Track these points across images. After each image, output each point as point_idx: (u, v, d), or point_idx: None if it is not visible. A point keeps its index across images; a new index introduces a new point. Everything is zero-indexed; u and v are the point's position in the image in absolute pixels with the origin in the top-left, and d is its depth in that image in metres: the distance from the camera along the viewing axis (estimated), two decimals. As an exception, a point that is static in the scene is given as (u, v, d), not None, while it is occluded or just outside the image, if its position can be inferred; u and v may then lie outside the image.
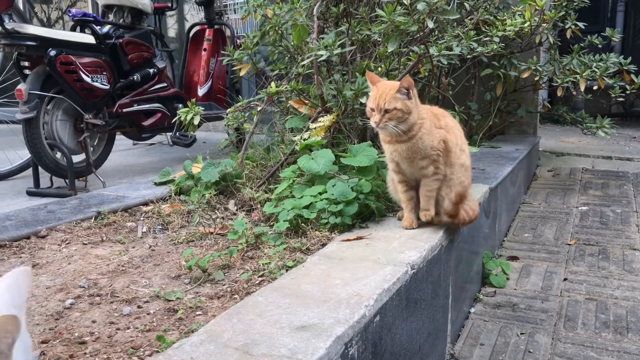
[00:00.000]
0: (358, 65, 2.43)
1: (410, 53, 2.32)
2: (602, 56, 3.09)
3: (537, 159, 3.97)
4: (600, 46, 3.25)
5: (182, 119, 2.42)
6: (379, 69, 2.38)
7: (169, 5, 3.84)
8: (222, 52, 3.83)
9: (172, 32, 6.78)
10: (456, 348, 1.74)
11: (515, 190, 2.96)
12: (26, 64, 2.91)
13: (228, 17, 4.22)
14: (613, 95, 3.12)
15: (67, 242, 1.78)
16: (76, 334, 1.17)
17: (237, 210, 2.07)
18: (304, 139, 2.14)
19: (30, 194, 2.84)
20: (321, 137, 2.15)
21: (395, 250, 1.45)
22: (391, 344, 1.23)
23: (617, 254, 2.42)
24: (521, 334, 1.81)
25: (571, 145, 4.49)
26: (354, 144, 2.14)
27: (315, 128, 2.18)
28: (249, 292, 1.34)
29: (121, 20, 3.43)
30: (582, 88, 3.08)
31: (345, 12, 2.51)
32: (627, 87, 3.12)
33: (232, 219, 1.95)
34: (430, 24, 1.98)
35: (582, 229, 2.75)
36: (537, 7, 2.79)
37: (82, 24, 3.19)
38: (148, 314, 1.26)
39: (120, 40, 3.21)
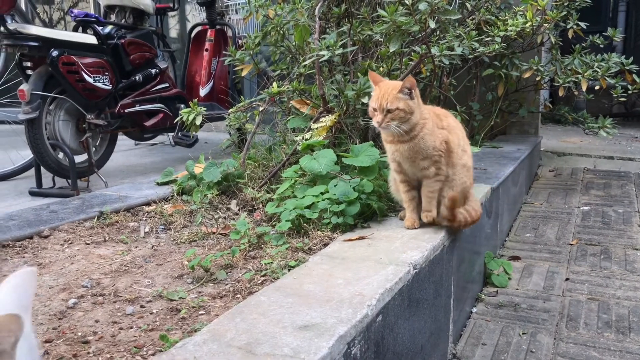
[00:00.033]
0: (360, 66, 2.43)
1: (412, 53, 2.33)
2: (603, 56, 3.09)
3: (538, 159, 3.97)
4: (602, 46, 3.25)
5: (184, 119, 2.43)
6: (381, 69, 2.38)
7: (171, 5, 3.84)
8: (223, 52, 3.83)
9: (173, 33, 6.79)
10: (458, 348, 1.74)
11: (517, 190, 2.96)
12: (28, 64, 2.92)
13: (230, 18, 4.22)
14: (615, 95, 3.12)
15: (69, 242, 1.79)
16: (79, 334, 1.18)
17: (239, 210, 2.07)
18: (306, 139, 2.14)
19: (32, 194, 2.84)
20: (323, 137, 2.15)
21: (398, 250, 1.46)
22: (393, 343, 1.24)
23: (619, 254, 2.42)
24: (523, 333, 1.81)
25: (573, 145, 4.49)
26: (356, 144, 2.14)
27: (317, 128, 2.18)
28: (252, 291, 1.34)
29: (123, 21, 3.43)
30: (584, 88, 3.08)
31: (346, 12, 2.51)
32: (629, 87, 3.12)
33: (234, 219, 1.96)
34: (432, 24, 1.98)
35: (584, 229, 2.75)
36: (538, 7, 2.79)
37: (84, 24, 3.20)
38: (151, 314, 1.27)
39: (122, 41, 3.21)
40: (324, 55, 2.09)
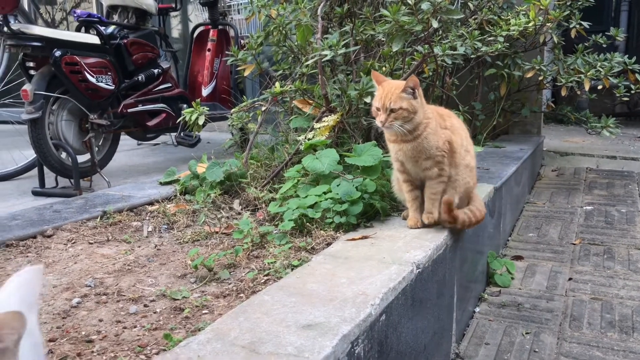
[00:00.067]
0: (362, 65, 2.43)
1: (415, 53, 2.33)
2: (606, 56, 3.09)
3: (541, 159, 3.96)
4: (604, 46, 3.25)
5: (186, 119, 2.43)
6: (383, 68, 2.38)
7: (173, 5, 3.85)
8: (226, 52, 3.84)
9: (176, 33, 6.80)
10: (461, 347, 1.74)
11: (520, 190, 2.96)
12: (31, 64, 2.93)
13: (232, 18, 4.22)
14: (618, 95, 3.12)
15: (73, 241, 1.79)
16: (83, 333, 1.18)
17: (241, 209, 2.07)
18: (308, 139, 2.14)
19: (35, 193, 2.85)
20: (325, 136, 2.15)
21: (401, 250, 1.46)
22: (397, 343, 1.23)
23: (623, 254, 2.42)
24: (526, 333, 1.81)
25: (575, 145, 4.49)
26: (359, 143, 2.14)
27: (319, 128, 2.18)
28: (255, 291, 1.34)
29: (125, 21, 3.44)
30: (587, 88, 3.07)
31: (349, 12, 2.51)
32: (632, 86, 3.11)
33: (237, 219, 1.96)
34: (435, 24, 1.98)
35: (587, 229, 2.74)
36: (541, 7, 2.79)
37: (86, 24, 3.21)
38: (154, 313, 1.27)
39: (125, 41, 3.22)
40: (326, 55, 2.09)
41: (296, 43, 2.53)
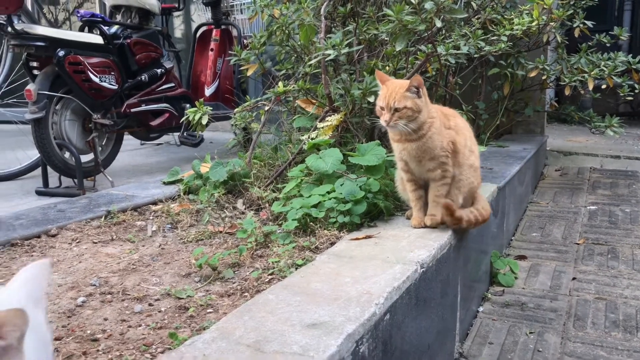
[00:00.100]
0: (365, 65, 2.43)
1: (418, 52, 2.32)
2: (610, 55, 3.08)
3: (544, 158, 3.96)
4: (608, 45, 3.24)
5: (190, 118, 2.44)
6: (387, 68, 2.38)
7: (176, 5, 3.85)
8: (229, 52, 3.84)
9: (178, 33, 6.81)
10: (465, 347, 1.74)
11: (523, 190, 2.96)
12: (35, 64, 2.93)
13: (235, 17, 4.23)
14: (621, 94, 3.11)
15: (77, 240, 1.80)
16: (88, 332, 1.18)
17: (245, 209, 2.07)
18: (312, 138, 2.14)
19: (39, 193, 2.86)
20: (329, 136, 2.15)
21: (405, 249, 1.45)
22: (401, 342, 1.24)
23: (627, 253, 2.41)
24: (530, 333, 1.81)
25: (579, 145, 4.48)
26: (362, 143, 2.14)
27: (322, 127, 2.18)
28: (259, 290, 1.34)
29: (129, 21, 3.45)
30: (591, 87, 3.07)
31: (352, 11, 2.51)
32: (636, 85, 3.11)
33: (240, 218, 1.96)
34: (438, 23, 1.98)
35: (590, 228, 2.74)
36: (545, 6, 2.79)
37: (90, 24, 3.21)
38: (159, 312, 1.27)
39: (128, 41, 3.22)
40: (330, 55, 2.10)
41: (299, 43, 2.53)
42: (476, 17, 2.88)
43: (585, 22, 3.12)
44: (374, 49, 2.51)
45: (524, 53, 3.28)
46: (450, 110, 1.73)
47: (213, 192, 2.16)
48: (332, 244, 1.60)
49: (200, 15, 5.13)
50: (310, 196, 1.83)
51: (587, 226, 2.77)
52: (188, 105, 3.41)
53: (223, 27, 3.99)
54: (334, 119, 2.19)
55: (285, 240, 1.67)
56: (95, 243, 1.78)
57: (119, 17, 3.48)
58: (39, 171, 3.02)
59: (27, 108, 2.76)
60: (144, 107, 3.27)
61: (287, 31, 2.53)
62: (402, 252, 1.43)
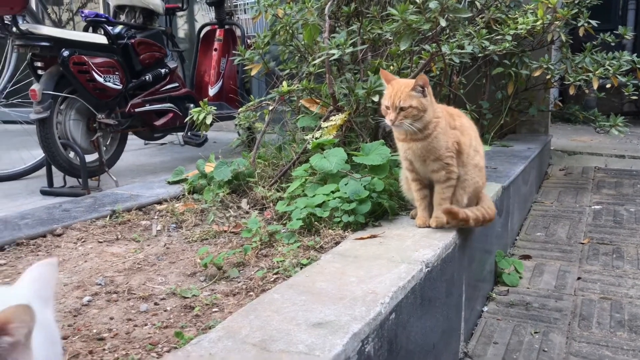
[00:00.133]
0: (369, 64, 2.43)
1: (422, 52, 2.32)
2: (615, 54, 3.07)
3: (548, 158, 3.95)
4: (612, 44, 3.23)
5: (194, 118, 2.44)
6: (391, 67, 2.38)
7: (180, 5, 3.86)
8: (232, 52, 3.84)
9: (182, 33, 6.82)
10: (470, 346, 1.74)
11: (527, 189, 2.95)
12: (40, 64, 2.94)
13: (238, 17, 4.23)
14: (626, 94, 3.10)
15: (82, 240, 1.80)
16: (94, 331, 1.19)
17: (249, 208, 2.08)
18: (316, 138, 2.14)
19: (43, 193, 2.87)
20: (333, 135, 2.15)
21: (409, 249, 1.45)
22: (406, 341, 1.23)
23: (632, 253, 2.41)
24: (535, 332, 1.80)
25: (583, 144, 4.46)
26: (366, 142, 2.14)
27: (327, 127, 2.18)
28: (265, 289, 1.34)
29: (133, 21, 3.45)
30: (595, 86, 3.06)
31: (356, 11, 2.51)
32: (640, 85, 3.10)
33: (245, 218, 1.96)
34: (443, 23, 1.98)
35: (595, 228, 2.73)
36: (549, 5, 2.78)
37: (94, 24, 3.22)
38: (165, 311, 1.28)
39: (132, 41, 3.23)
40: (334, 54, 2.10)
41: (303, 42, 2.53)
42: (480, 16, 2.87)
43: (590, 21, 3.11)
44: (378, 49, 2.51)
45: (528, 52, 3.27)
46: (456, 110, 1.73)
47: (217, 191, 2.16)
48: (337, 243, 1.60)
49: (204, 15, 5.14)
50: (314, 196, 1.83)
51: (592, 226, 2.77)
52: (192, 105, 3.41)
53: (227, 27, 4.00)
54: (338, 119, 2.19)
55: (289, 239, 1.68)
56: (101, 242, 1.78)
57: (123, 17, 3.49)
58: (43, 171, 3.03)
59: (32, 108, 2.77)
60: (148, 107, 3.28)
61: (290, 31, 2.53)
62: (407, 251, 1.43)
